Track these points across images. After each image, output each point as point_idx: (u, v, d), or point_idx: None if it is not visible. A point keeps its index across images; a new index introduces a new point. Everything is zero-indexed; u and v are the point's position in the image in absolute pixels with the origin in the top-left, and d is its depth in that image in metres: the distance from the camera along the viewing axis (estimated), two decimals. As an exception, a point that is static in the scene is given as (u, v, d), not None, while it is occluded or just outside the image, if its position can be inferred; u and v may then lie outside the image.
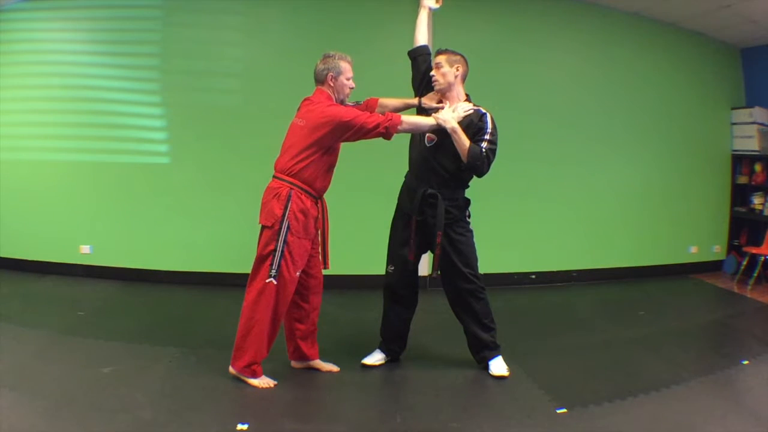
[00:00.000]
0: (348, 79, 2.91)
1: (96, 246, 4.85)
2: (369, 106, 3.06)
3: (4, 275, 4.76)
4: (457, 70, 2.98)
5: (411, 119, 2.91)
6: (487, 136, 2.88)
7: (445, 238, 2.96)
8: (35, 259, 4.89)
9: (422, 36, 3.17)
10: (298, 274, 2.84)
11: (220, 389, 2.79)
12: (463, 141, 2.84)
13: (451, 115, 2.86)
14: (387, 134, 2.79)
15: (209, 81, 4.78)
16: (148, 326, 3.71)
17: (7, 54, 4.81)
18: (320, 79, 2.91)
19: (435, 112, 2.92)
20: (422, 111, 3.07)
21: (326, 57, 2.91)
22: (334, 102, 2.89)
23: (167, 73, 4.76)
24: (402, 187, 3.13)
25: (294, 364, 3.09)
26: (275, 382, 2.84)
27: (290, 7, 4.79)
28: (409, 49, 3.21)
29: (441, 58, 2.97)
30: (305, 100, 2.95)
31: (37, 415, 2.45)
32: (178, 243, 4.80)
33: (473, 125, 2.90)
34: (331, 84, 2.88)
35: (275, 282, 2.77)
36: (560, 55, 5.17)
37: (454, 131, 2.83)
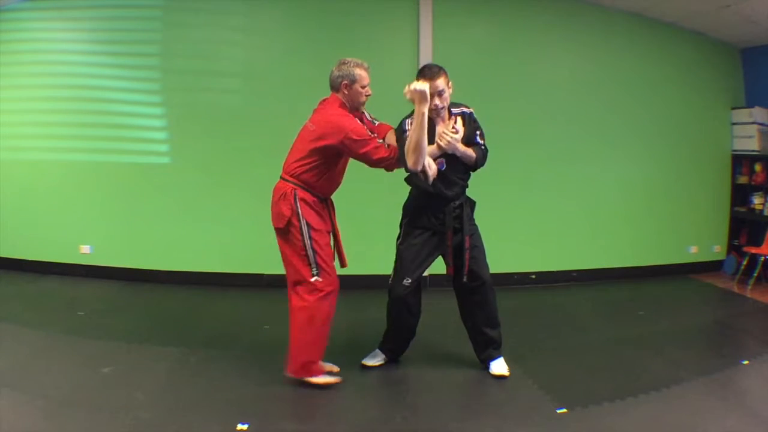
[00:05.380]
0: (363, 87, 2.82)
1: (96, 246, 4.85)
2: (380, 132, 2.93)
3: (4, 275, 4.76)
4: (450, 87, 2.89)
5: (412, 140, 2.72)
6: (479, 132, 2.99)
7: (470, 239, 3.00)
8: (35, 259, 4.90)
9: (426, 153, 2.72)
10: (334, 264, 2.87)
11: (220, 389, 2.79)
12: (469, 153, 2.91)
13: (454, 139, 2.81)
14: (388, 169, 2.80)
15: (209, 81, 4.78)
16: (148, 326, 3.71)
17: (7, 54, 4.81)
18: (334, 86, 2.84)
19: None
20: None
21: (341, 63, 2.82)
22: (348, 110, 2.83)
23: (167, 73, 4.76)
24: (414, 207, 3.01)
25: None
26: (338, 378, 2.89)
27: (290, 7, 4.80)
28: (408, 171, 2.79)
29: (441, 83, 2.79)
30: (321, 103, 2.91)
31: (37, 415, 2.45)
32: (178, 243, 4.80)
33: (469, 129, 2.95)
34: (346, 92, 2.81)
35: (320, 279, 2.77)
36: (561, 54, 5.17)
37: (458, 150, 2.85)
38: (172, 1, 4.74)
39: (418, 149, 2.67)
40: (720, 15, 4.91)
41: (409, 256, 3.00)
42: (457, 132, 2.83)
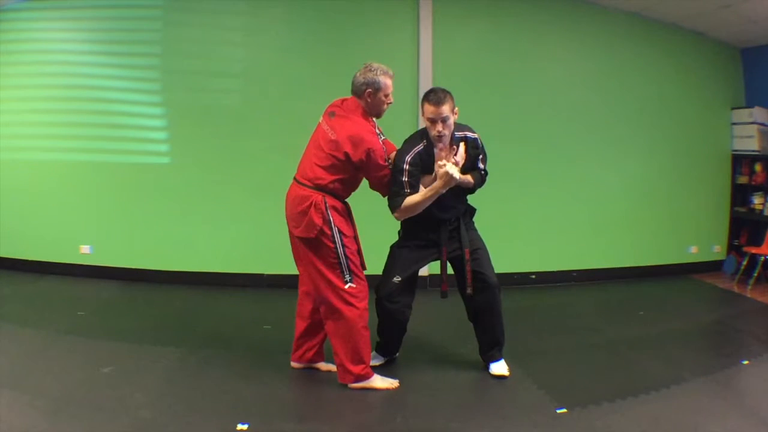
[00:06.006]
0: (386, 96, 2.78)
1: (96, 246, 4.85)
2: (386, 150, 2.90)
3: (4, 275, 4.76)
4: (456, 113, 2.81)
5: (415, 204, 2.79)
6: (481, 157, 3.00)
7: (470, 245, 3.00)
8: (35, 259, 4.89)
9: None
10: (363, 271, 2.88)
11: (220, 389, 2.79)
12: (468, 179, 2.89)
13: (454, 171, 2.72)
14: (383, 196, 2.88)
15: (209, 81, 4.78)
16: (148, 326, 3.72)
17: (7, 54, 4.81)
18: (357, 93, 2.79)
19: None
20: None
21: (367, 70, 2.76)
22: (369, 118, 2.81)
23: (167, 73, 4.76)
24: (411, 221, 2.96)
25: (294, 364, 3.08)
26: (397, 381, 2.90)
27: (290, 7, 4.79)
28: None
29: (447, 109, 2.72)
30: (337, 107, 2.84)
31: (37, 415, 2.45)
32: (178, 243, 4.80)
33: (471, 155, 2.91)
34: (369, 99, 2.77)
35: (354, 285, 2.77)
36: (560, 54, 5.17)
37: (456, 181, 2.78)
38: (172, 1, 4.74)
39: (411, 213, 2.80)
40: (720, 15, 4.91)
41: (402, 254, 3.01)
42: (457, 164, 2.76)
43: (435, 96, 2.74)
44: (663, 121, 5.47)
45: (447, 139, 2.83)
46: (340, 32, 4.79)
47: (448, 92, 2.78)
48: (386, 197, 2.89)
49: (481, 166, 3.00)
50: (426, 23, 4.77)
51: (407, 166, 2.78)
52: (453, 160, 2.75)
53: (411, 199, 2.77)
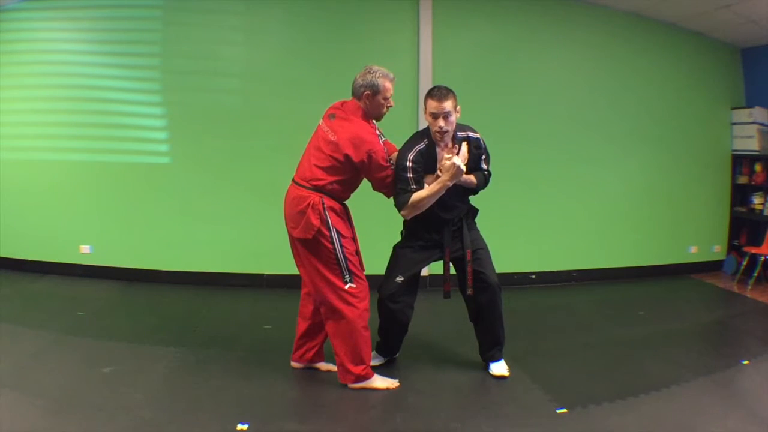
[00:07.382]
0: (386, 99, 2.78)
1: (96, 246, 4.85)
2: (387, 151, 2.90)
3: (4, 275, 4.76)
4: (458, 111, 2.83)
5: (422, 200, 2.79)
6: (484, 157, 3.00)
7: (472, 245, 3.00)
8: (35, 259, 4.90)
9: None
10: (363, 271, 2.88)
11: (220, 389, 2.80)
12: (471, 179, 2.90)
13: (461, 163, 2.72)
14: (387, 196, 2.89)
15: (209, 81, 4.78)
16: (148, 326, 3.72)
17: (7, 54, 4.81)
18: (356, 94, 2.79)
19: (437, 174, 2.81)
20: None
21: (366, 72, 2.76)
22: (369, 120, 2.81)
23: (167, 73, 4.76)
24: (413, 222, 2.97)
25: (294, 364, 3.09)
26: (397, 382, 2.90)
27: (290, 7, 4.79)
28: None
29: (449, 105, 2.74)
30: (337, 109, 2.83)
31: (37, 415, 2.45)
32: (178, 243, 4.80)
33: (473, 155, 2.92)
34: (367, 102, 2.77)
35: (354, 285, 2.76)
36: (560, 54, 5.17)
37: (459, 180, 2.81)
38: (172, 0, 4.74)
39: (418, 209, 2.79)
40: (720, 15, 4.91)
41: (405, 255, 3.01)
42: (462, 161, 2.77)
43: (438, 91, 2.77)
44: (663, 121, 5.47)
45: (449, 137, 2.85)
46: (340, 32, 4.79)
47: (450, 90, 2.80)
48: (391, 197, 2.89)
49: (484, 166, 3.01)
50: (426, 24, 4.77)
51: (410, 164, 2.79)
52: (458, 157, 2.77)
53: (418, 195, 2.77)
